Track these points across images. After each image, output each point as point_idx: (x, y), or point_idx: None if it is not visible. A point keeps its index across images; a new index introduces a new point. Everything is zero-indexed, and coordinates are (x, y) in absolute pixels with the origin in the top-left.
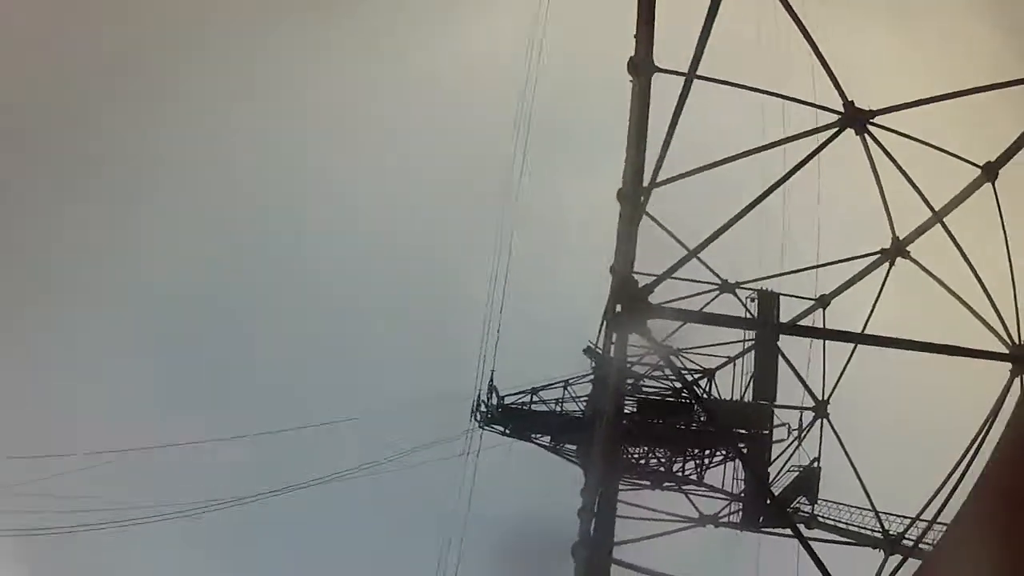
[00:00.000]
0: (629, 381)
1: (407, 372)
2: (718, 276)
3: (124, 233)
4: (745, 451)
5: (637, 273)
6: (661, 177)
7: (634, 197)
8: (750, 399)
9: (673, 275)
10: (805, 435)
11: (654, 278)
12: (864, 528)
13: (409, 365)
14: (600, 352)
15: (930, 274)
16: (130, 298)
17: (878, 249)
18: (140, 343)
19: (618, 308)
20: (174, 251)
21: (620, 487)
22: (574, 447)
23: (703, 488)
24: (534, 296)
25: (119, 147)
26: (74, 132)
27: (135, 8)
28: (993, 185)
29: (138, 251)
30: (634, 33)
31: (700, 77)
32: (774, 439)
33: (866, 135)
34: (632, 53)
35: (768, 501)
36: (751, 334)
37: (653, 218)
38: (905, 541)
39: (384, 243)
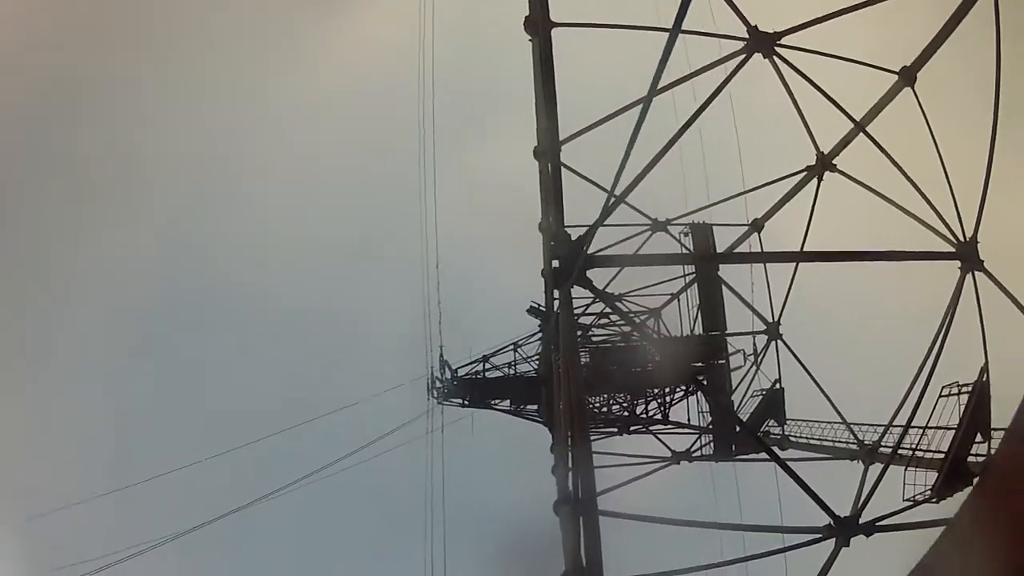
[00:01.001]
0: (578, 333)
1: (359, 366)
2: (647, 216)
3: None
4: (705, 382)
5: (567, 226)
6: (574, 129)
7: (550, 153)
8: (700, 332)
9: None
10: (762, 359)
11: (585, 229)
12: (838, 441)
13: (359, 360)
14: (544, 310)
15: (860, 183)
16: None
17: (804, 167)
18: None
19: (555, 264)
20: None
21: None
22: (535, 407)
23: (671, 426)
24: (469, 267)
25: None
26: None
27: None
28: (913, 89)
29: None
30: None
31: (597, 25)
32: (731, 367)
33: (775, 57)
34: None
35: (737, 428)
36: (691, 268)
37: (573, 170)
38: (882, 449)
39: (304, 241)
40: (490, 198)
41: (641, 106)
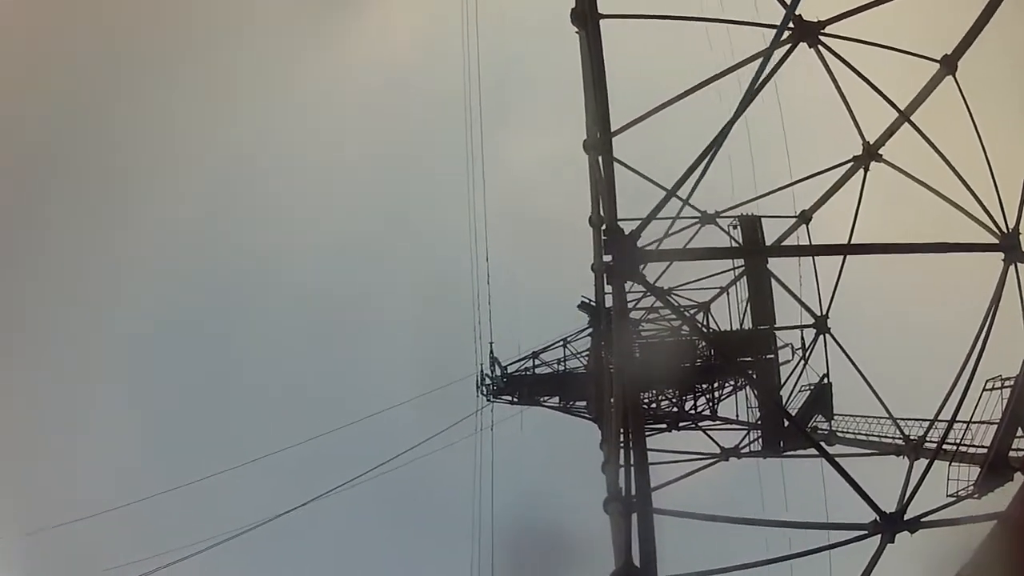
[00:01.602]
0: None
1: (407, 363)
2: (696, 209)
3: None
4: (754, 377)
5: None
6: (622, 122)
7: (601, 146)
8: (749, 326)
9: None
10: (810, 353)
11: (631, 222)
12: (885, 437)
13: (407, 356)
14: (595, 305)
15: (906, 174)
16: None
17: (850, 157)
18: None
19: (607, 258)
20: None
21: None
22: (584, 403)
23: (719, 422)
24: (518, 261)
25: None
26: None
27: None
28: (955, 77)
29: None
30: None
31: (644, 16)
32: (780, 360)
33: (819, 46)
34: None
35: (786, 423)
36: (740, 261)
37: (624, 163)
38: (927, 444)
39: (355, 235)
40: (525, 191)
41: (684, 98)
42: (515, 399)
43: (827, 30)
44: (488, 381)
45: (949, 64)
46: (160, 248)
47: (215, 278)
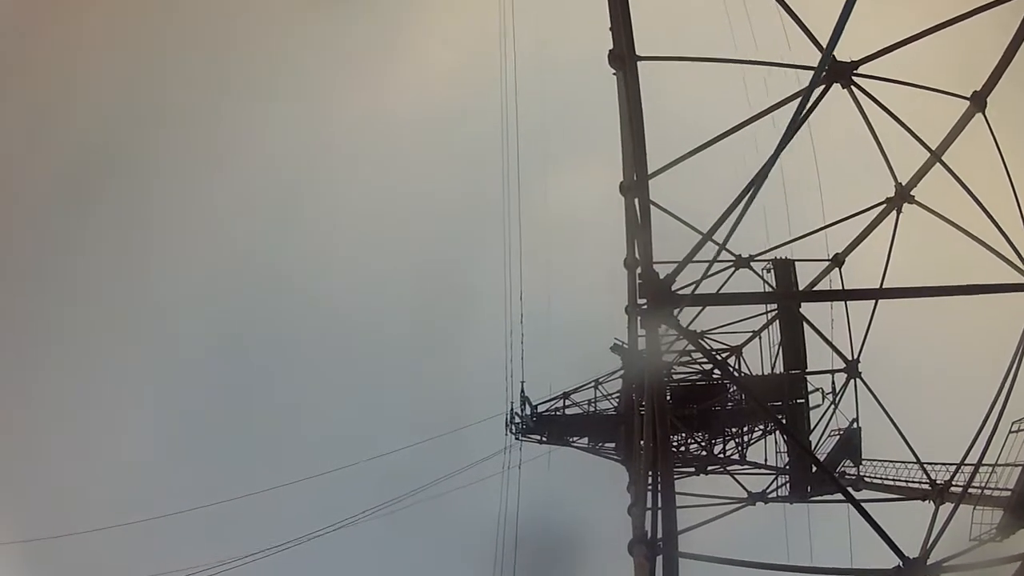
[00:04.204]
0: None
1: (436, 397)
2: (731, 253)
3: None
4: (784, 421)
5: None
6: (656, 164)
7: (637, 188)
8: (781, 370)
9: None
10: (840, 398)
11: (671, 266)
12: (912, 481)
13: (437, 390)
14: (628, 348)
15: (938, 215)
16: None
17: (883, 199)
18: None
19: (641, 301)
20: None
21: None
22: (612, 445)
23: (748, 466)
24: (551, 302)
25: None
26: None
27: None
28: (984, 114)
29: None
30: (609, 26)
31: (682, 58)
32: (810, 405)
33: (853, 87)
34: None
35: (814, 468)
36: (773, 305)
37: (660, 206)
38: (953, 488)
39: (390, 273)
40: (560, 232)
41: (722, 139)
42: (544, 438)
43: (859, 70)
44: (517, 419)
45: (978, 101)
46: (202, 284)
47: (246, 302)
